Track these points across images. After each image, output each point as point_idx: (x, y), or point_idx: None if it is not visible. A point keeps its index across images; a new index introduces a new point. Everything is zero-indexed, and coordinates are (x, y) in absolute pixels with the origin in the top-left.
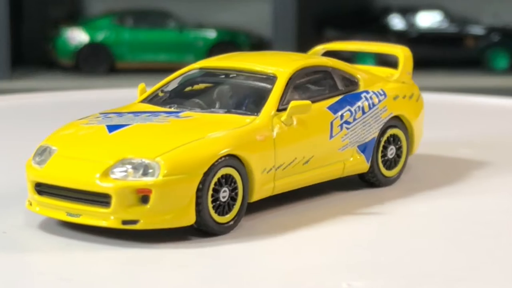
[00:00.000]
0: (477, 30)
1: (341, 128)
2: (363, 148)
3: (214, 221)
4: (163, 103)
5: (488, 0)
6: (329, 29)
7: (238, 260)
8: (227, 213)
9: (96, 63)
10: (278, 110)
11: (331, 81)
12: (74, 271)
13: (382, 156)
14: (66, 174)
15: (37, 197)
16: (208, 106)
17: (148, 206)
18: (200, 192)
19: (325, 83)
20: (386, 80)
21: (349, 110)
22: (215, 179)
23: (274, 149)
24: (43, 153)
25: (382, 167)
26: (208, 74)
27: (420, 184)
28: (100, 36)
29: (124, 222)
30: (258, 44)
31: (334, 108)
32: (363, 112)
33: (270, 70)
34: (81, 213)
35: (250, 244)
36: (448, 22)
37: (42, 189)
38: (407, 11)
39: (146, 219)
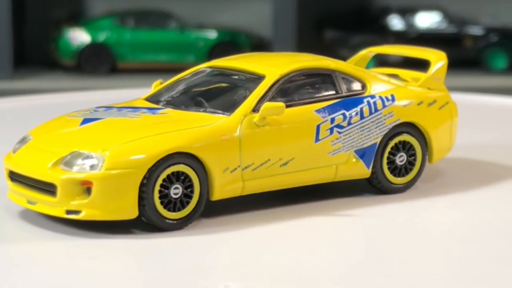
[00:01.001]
0: (475, 30)
1: (331, 132)
2: (361, 153)
3: (162, 216)
4: (158, 100)
5: (487, 1)
6: (329, 30)
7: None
8: (179, 210)
9: (98, 63)
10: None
11: (331, 85)
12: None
13: (389, 163)
14: (26, 163)
15: (9, 183)
16: (194, 104)
17: (90, 198)
18: (145, 187)
19: (324, 86)
20: (405, 86)
21: (343, 114)
22: (163, 176)
23: (239, 149)
24: (21, 141)
25: (389, 173)
26: (210, 73)
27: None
28: (102, 37)
29: (68, 212)
30: (258, 44)
31: (324, 112)
32: (362, 117)
33: (261, 70)
34: (37, 201)
35: (184, 239)
36: (447, 22)
37: (13, 176)
38: (407, 12)
39: (88, 211)
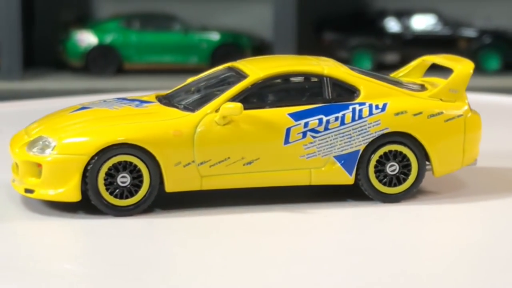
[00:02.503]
0: (469, 32)
1: (304, 136)
2: (341, 159)
3: (107, 201)
4: (166, 96)
5: (480, 4)
6: (328, 32)
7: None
8: (127, 197)
9: (105, 64)
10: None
11: (319, 90)
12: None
13: (378, 171)
14: (12, 145)
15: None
16: (180, 101)
17: (40, 178)
18: (88, 173)
19: (310, 90)
20: (410, 95)
21: (319, 119)
22: (108, 164)
23: (192, 145)
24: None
25: (377, 182)
26: (223, 73)
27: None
28: (109, 39)
29: (26, 190)
30: (259, 46)
31: (298, 115)
32: (342, 123)
33: (249, 72)
34: (14, 180)
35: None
36: (441, 25)
37: None
38: (403, 14)
39: (38, 190)
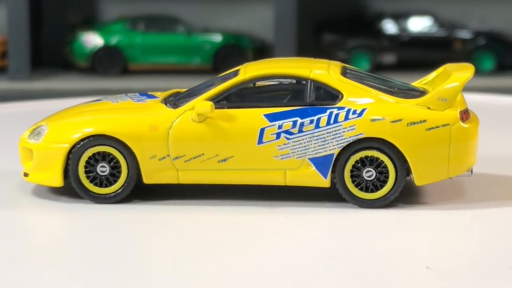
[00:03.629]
0: (464, 34)
1: (278, 137)
2: (316, 162)
3: (87, 189)
4: (174, 93)
5: (475, 6)
6: (327, 33)
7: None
8: (107, 186)
9: (110, 65)
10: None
11: (301, 92)
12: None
13: (354, 176)
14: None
15: None
16: (180, 99)
17: (33, 163)
18: (69, 161)
19: (293, 93)
20: (393, 101)
21: (294, 121)
22: (88, 154)
23: (167, 140)
24: None
25: (353, 187)
26: (227, 75)
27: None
28: (114, 40)
29: (24, 174)
30: (260, 47)
31: (273, 117)
32: (317, 126)
33: (237, 69)
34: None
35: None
36: (437, 26)
37: None
38: (400, 17)
39: (31, 174)
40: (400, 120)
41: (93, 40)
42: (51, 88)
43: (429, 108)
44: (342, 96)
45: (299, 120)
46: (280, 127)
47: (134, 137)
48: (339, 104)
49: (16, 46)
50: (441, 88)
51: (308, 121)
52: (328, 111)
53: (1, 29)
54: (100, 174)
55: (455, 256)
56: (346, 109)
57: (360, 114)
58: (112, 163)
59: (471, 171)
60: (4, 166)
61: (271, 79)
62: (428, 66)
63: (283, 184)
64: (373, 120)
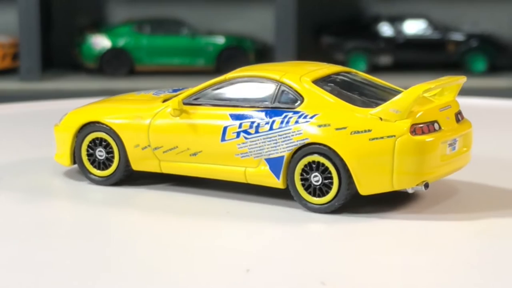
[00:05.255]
0: (457, 36)
1: (238, 136)
2: (270, 163)
3: (88, 171)
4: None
5: (468, 10)
6: (326, 36)
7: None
8: (104, 170)
9: (118, 66)
10: (188, 103)
11: (267, 94)
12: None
13: (304, 179)
14: None
15: None
16: (174, 96)
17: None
18: (75, 145)
19: (262, 94)
20: (351, 109)
21: (252, 122)
22: (88, 139)
23: (147, 131)
24: None
25: (303, 191)
26: None
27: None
28: (121, 42)
29: (56, 156)
30: (262, 49)
31: (236, 116)
32: (271, 128)
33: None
34: None
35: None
36: (431, 29)
37: None
38: (395, 20)
39: (56, 155)
40: (344, 128)
41: (101, 42)
42: (61, 88)
43: (381, 118)
44: (302, 101)
45: (257, 121)
46: (240, 126)
47: (122, 126)
48: (296, 109)
49: (28, 48)
50: (393, 100)
51: (264, 123)
52: (284, 114)
53: (13, 31)
54: (98, 158)
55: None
56: (299, 113)
57: (309, 120)
58: (107, 149)
59: (425, 185)
60: (13, 159)
61: (246, 81)
62: (422, 67)
63: (244, 181)
64: (319, 126)
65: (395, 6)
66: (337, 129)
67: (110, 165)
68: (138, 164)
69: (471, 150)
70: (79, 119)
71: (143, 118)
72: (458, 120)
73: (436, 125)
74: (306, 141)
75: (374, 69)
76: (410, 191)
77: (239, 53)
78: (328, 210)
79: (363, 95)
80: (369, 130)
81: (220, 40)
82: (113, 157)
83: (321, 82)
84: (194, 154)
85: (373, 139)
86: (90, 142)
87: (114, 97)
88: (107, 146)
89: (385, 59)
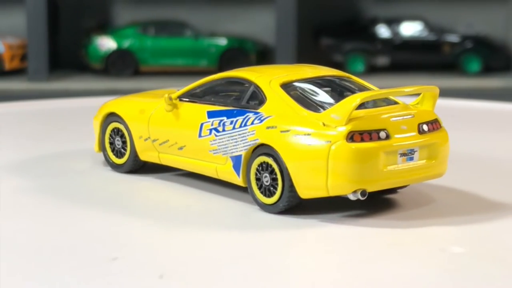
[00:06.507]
0: (453, 38)
1: (210, 133)
2: (233, 161)
3: (110, 159)
4: None
5: (463, 12)
6: (325, 37)
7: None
8: (120, 158)
9: (123, 66)
10: (181, 100)
11: (241, 94)
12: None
13: (258, 179)
14: None
15: None
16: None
17: None
18: (101, 134)
19: (237, 94)
20: (302, 113)
21: (221, 120)
22: (110, 128)
23: (148, 124)
24: None
25: (257, 189)
26: None
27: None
28: (126, 43)
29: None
30: (263, 50)
31: (211, 114)
32: (234, 127)
33: None
34: None
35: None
36: (427, 31)
37: None
38: (392, 22)
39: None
40: (287, 131)
41: (106, 43)
42: (67, 88)
43: (323, 124)
44: (265, 103)
45: (224, 120)
46: (212, 124)
47: (130, 118)
48: (259, 110)
49: (35, 49)
50: (336, 105)
51: (229, 122)
52: (246, 114)
53: (21, 33)
54: (116, 147)
55: None
56: (257, 114)
57: (262, 121)
58: (123, 138)
59: (362, 193)
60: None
61: (229, 80)
62: (418, 67)
63: (216, 177)
64: (267, 128)
65: (392, 8)
66: (281, 131)
67: (125, 154)
68: (143, 154)
69: (444, 162)
70: (104, 109)
71: (146, 111)
72: (422, 131)
73: (382, 134)
74: (257, 142)
75: (371, 69)
76: (351, 198)
77: (240, 54)
78: (275, 211)
79: (330, 100)
80: (308, 134)
81: (222, 41)
82: (126, 146)
83: (291, 85)
84: (181, 148)
85: (311, 143)
86: (111, 131)
87: (143, 92)
88: (122, 135)
89: (382, 60)
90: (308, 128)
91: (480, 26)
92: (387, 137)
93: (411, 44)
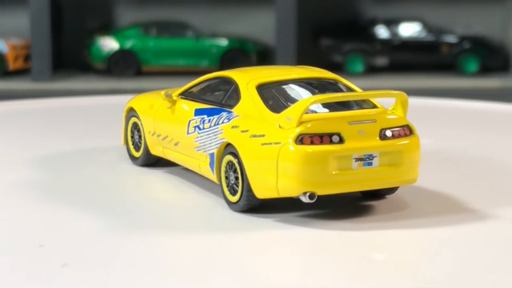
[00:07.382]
0: (451, 38)
1: (195, 130)
2: (210, 158)
3: (130, 151)
4: None
5: (461, 13)
6: (324, 38)
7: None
8: (137, 151)
9: (125, 67)
10: (180, 97)
11: (225, 94)
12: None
13: (226, 177)
14: None
15: None
16: None
17: None
18: (125, 128)
19: (223, 93)
20: (263, 113)
21: (202, 118)
22: (130, 122)
23: (154, 119)
24: None
25: (226, 187)
26: None
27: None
28: (129, 44)
29: None
30: (263, 51)
31: (197, 112)
32: (210, 126)
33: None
34: None
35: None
36: (426, 31)
37: None
38: (391, 22)
39: None
40: (246, 131)
41: (109, 44)
42: (70, 88)
43: (279, 125)
44: (239, 102)
45: (205, 118)
46: (196, 121)
47: (143, 113)
48: (232, 109)
49: (39, 49)
50: (289, 108)
51: (208, 120)
52: (221, 113)
53: (25, 34)
54: (135, 140)
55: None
56: (229, 114)
57: (229, 120)
58: (139, 133)
59: (310, 196)
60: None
61: (219, 80)
62: (417, 68)
63: (200, 173)
64: (232, 127)
65: (391, 9)
66: (242, 131)
67: (140, 147)
68: (152, 148)
69: (413, 168)
70: (128, 105)
71: (154, 106)
72: (384, 136)
73: (335, 137)
74: (224, 141)
75: (370, 70)
76: (303, 200)
77: (241, 55)
78: (238, 210)
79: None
80: (263, 135)
81: (223, 42)
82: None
83: (268, 86)
84: (176, 144)
85: (264, 144)
86: (132, 126)
87: (164, 90)
88: (139, 130)
89: (381, 61)
90: (264, 129)
91: (478, 27)
92: (341, 141)
93: (409, 44)
